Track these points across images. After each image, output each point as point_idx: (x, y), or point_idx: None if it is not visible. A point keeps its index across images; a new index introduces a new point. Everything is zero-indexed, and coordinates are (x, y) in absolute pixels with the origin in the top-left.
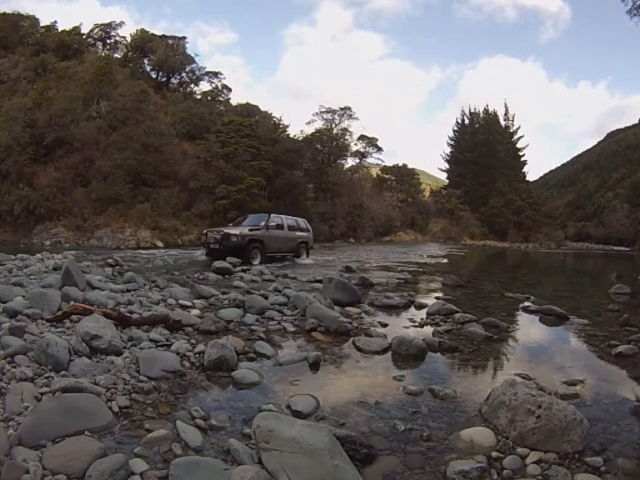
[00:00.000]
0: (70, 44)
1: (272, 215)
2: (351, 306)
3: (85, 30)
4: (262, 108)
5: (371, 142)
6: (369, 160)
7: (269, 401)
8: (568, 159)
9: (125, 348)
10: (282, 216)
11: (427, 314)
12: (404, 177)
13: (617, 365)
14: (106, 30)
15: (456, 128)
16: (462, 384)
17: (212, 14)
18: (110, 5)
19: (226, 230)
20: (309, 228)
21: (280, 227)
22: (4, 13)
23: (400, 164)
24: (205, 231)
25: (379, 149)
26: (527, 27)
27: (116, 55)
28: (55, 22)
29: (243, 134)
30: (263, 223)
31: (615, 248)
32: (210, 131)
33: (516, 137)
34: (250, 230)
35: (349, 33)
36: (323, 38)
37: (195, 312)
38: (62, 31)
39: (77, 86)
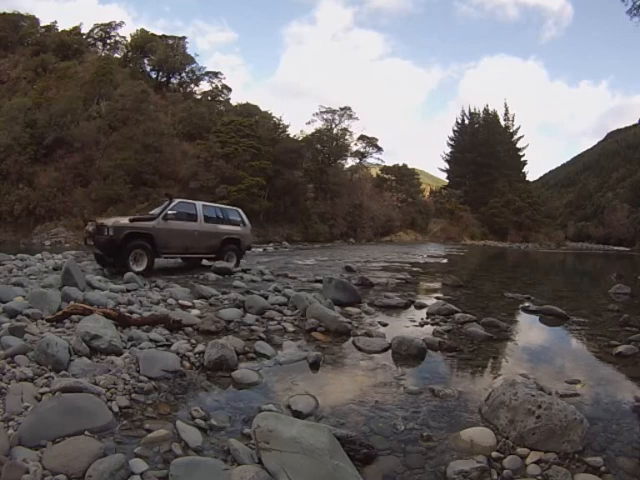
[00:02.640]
0: (70, 44)
1: (177, 200)
2: (351, 306)
3: (85, 30)
4: (262, 108)
5: (371, 142)
6: (369, 160)
7: (269, 401)
8: (568, 159)
9: (125, 348)
10: (197, 202)
11: (427, 314)
12: (404, 177)
13: (617, 365)
14: (106, 30)
15: (456, 128)
16: (462, 384)
17: (211, 12)
18: (109, 3)
19: (100, 220)
20: (245, 221)
21: (189, 217)
22: (4, 13)
23: (400, 164)
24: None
25: (379, 149)
26: (528, 26)
27: (116, 55)
28: (55, 22)
29: (243, 134)
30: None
31: (615, 248)
32: (210, 131)
33: (516, 137)
34: (132, 220)
35: (349, 32)
36: (323, 37)
37: (195, 312)
38: (62, 31)
39: (77, 86)
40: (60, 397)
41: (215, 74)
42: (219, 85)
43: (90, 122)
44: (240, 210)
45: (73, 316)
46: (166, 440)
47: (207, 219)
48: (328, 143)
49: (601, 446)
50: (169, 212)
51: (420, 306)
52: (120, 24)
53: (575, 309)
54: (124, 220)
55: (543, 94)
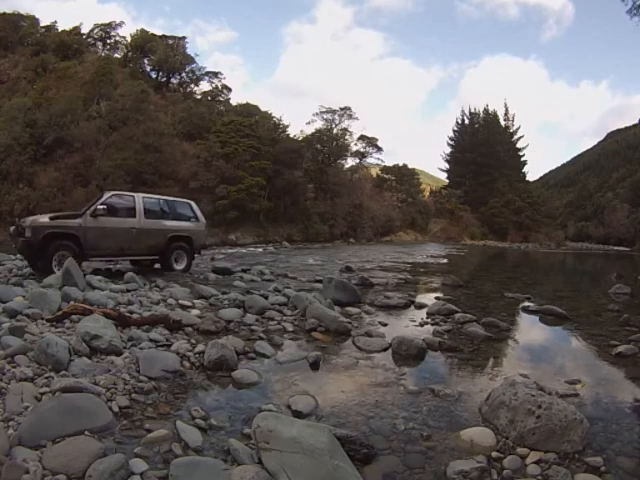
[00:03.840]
0: (70, 44)
1: (109, 193)
2: (351, 306)
3: (85, 30)
4: (262, 108)
5: (371, 142)
6: (369, 160)
7: (269, 401)
8: (568, 159)
9: (125, 348)
10: (136, 195)
11: (427, 314)
12: (404, 177)
13: (617, 365)
14: (106, 30)
15: (456, 128)
16: (462, 384)
17: (211, 12)
18: (108, 3)
19: (21, 220)
20: (198, 215)
21: (126, 212)
22: (4, 13)
23: (400, 164)
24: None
25: (379, 149)
26: (529, 25)
27: (116, 55)
28: (55, 22)
29: (243, 134)
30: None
31: (615, 248)
32: (210, 131)
33: (516, 137)
34: (53, 218)
35: (349, 31)
36: (323, 36)
37: (195, 312)
38: (62, 31)
39: (77, 86)
40: (60, 397)
41: (215, 74)
42: (219, 85)
43: (90, 122)
44: (193, 203)
45: (73, 316)
46: (166, 440)
47: (149, 214)
48: (328, 143)
49: (601, 446)
50: (99, 207)
51: (420, 306)
52: (120, 24)
53: (575, 309)
54: (44, 218)
55: (543, 94)
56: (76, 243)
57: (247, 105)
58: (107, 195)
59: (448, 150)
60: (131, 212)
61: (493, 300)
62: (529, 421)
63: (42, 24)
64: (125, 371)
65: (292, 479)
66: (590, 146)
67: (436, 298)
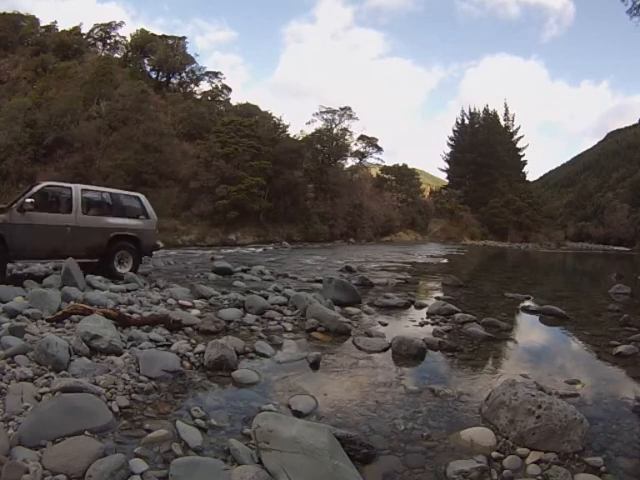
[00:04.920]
0: (70, 44)
1: (41, 184)
2: (351, 306)
3: (85, 30)
4: (262, 108)
5: (371, 142)
6: (369, 160)
7: (269, 401)
8: (568, 159)
9: (125, 348)
10: (74, 186)
11: (427, 314)
12: (404, 177)
13: (617, 365)
14: (106, 30)
15: (456, 128)
16: (462, 384)
17: (211, 11)
18: (107, 2)
19: None
20: (148, 212)
21: (61, 207)
22: (4, 13)
23: (400, 164)
24: None
25: (379, 149)
26: (530, 24)
27: (116, 55)
28: (55, 22)
29: (243, 134)
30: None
31: (615, 248)
32: (210, 131)
33: (516, 137)
34: None
35: (349, 30)
36: (323, 36)
37: (195, 312)
38: (62, 31)
39: (77, 86)
40: (60, 397)
41: (215, 74)
42: (219, 85)
43: (90, 122)
44: (142, 197)
45: (73, 316)
46: (166, 440)
47: (88, 209)
48: (328, 143)
49: (601, 446)
50: (27, 201)
51: (420, 306)
52: (120, 24)
53: (575, 309)
54: None
55: (544, 94)
56: (1, 243)
57: (247, 105)
58: (38, 186)
59: (448, 150)
60: (67, 207)
61: (493, 300)
62: (529, 421)
63: (42, 24)
64: (125, 371)
65: (292, 479)
66: (590, 146)
67: (436, 298)
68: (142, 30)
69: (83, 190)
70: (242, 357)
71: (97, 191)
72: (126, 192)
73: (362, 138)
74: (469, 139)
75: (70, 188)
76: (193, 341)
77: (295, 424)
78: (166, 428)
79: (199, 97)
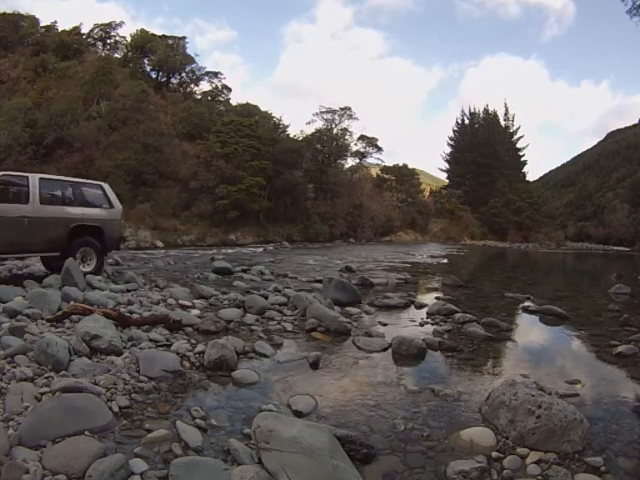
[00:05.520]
0: (70, 44)
1: None
2: (351, 306)
3: (85, 30)
4: (262, 108)
5: (371, 142)
6: (369, 160)
7: (269, 401)
8: (568, 159)
9: (125, 348)
10: (31, 175)
11: (427, 314)
12: (404, 177)
13: (617, 365)
14: (106, 30)
15: (456, 128)
16: (462, 384)
17: (210, 11)
18: (107, 1)
19: None
20: (112, 201)
21: (15, 197)
22: (4, 13)
23: (400, 164)
24: None
25: (379, 149)
26: (530, 24)
27: (116, 55)
28: (55, 22)
29: (243, 134)
30: None
31: (615, 248)
32: (210, 131)
33: (516, 137)
34: None
35: (349, 30)
36: (323, 36)
37: (195, 312)
38: (62, 31)
39: (77, 86)
40: (60, 397)
41: (215, 74)
42: (219, 85)
43: (90, 122)
44: (106, 185)
45: (73, 316)
46: (166, 440)
47: (47, 199)
48: (328, 143)
49: (601, 446)
50: None
51: (420, 306)
52: (120, 24)
53: (575, 309)
54: None
55: (544, 94)
56: None
57: (247, 105)
58: None
59: (448, 150)
60: (23, 197)
61: (493, 300)
62: (529, 421)
63: (42, 24)
64: (125, 371)
65: (292, 479)
66: (590, 146)
67: (436, 298)
68: (142, 30)
69: (41, 179)
70: (242, 357)
71: (56, 180)
72: (88, 181)
73: (362, 138)
74: (469, 139)
75: (27, 177)
76: (193, 341)
77: (295, 424)
78: (166, 428)
79: (199, 97)
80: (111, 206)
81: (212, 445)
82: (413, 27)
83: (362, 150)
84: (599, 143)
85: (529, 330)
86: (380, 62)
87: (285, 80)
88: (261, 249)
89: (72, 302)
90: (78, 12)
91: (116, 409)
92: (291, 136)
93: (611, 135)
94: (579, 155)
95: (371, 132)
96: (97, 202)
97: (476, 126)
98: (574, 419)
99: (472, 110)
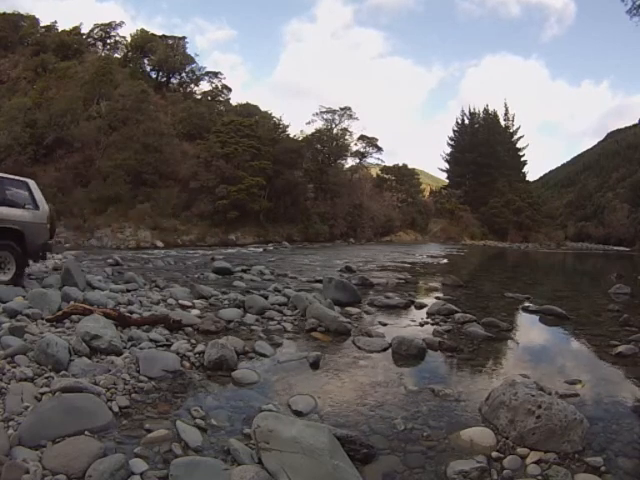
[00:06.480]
0: (70, 44)
1: None
2: (351, 306)
3: (85, 30)
4: (262, 108)
5: (371, 142)
6: (369, 160)
7: (269, 401)
8: (568, 159)
9: (125, 348)
10: None
11: (427, 314)
12: (404, 177)
13: (617, 365)
14: (106, 30)
15: (456, 128)
16: (462, 384)
17: (210, 10)
18: (106, 1)
19: None
20: (37, 200)
21: None
22: (4, 13)
23: (400, 164)
24: None
25: (379, 149)
26: (531, 24)
27: (116, 55)
28: (55, 22)
29: (243, 134)
30: None
31: (615, 248)
32: (210, 131)
33: (516, 137)
34: None
35: (349, 30)
36: (323, 35)
37: (195, 312)
38: (62, 31)
39: (77, 86)
40: (60, 397)
41: (215, 74)
42: (219, 85)
43: (90, 122)
44: (32, 182)
45: (73, 316)
46: (166, 440)
47: None
48: (328, 143)
49: (601, 446)
50: None
51: (420, 306)
52: (120, 24)
53: (575, 309)
54: None
55: (544, 93)
56: None
57: (247, 105)
58: None
59: (448, 150)
60: None
61: (493, 300)
62: (529, 421)
63: (42, 24)
64: (125, 371)
65: (292, 479)
66: (590, 146)
67: (436, 298)
68: (142, 30)
69: None
70: (242, 357)
71: None
72: (10, 176)
73: (362, 138)
74: (469, 139)
75: None
76: (193, 341)
77: (295, 424)
78: (166, 428)
79: (199, 97)
80: (36, 207)
81: (212, 445)
82: (413, 26)
83: (362, 150)
84: (599, 143)
85: (529, 330)
86: (380, 62)
87: (285, 80)
88: (261, 249)
89: (72, 302)
90: (78, 12)
91: (116, 409)
92: (291, 136)
93: (611, 135)
94: (579, 155)
95: (371, 132)
96: (19, 201)
97: (476, 126)
98: (574, 419)
99: (472, 110)
